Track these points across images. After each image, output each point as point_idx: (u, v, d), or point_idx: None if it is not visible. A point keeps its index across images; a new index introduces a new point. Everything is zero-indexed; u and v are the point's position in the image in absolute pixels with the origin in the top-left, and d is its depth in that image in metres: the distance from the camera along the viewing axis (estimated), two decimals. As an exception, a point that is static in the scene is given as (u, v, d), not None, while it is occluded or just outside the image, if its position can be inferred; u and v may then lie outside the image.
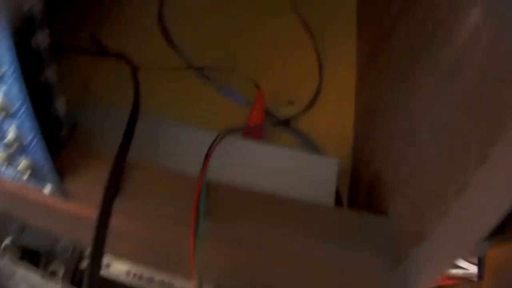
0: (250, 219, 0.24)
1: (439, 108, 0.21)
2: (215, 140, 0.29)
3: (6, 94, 0.22)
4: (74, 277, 0.32)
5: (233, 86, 0.41)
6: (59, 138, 0.29)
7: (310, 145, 0.38)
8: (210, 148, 0.28)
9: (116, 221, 0.26)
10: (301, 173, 0.31)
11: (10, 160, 0.26)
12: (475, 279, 0.40)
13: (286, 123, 0.39)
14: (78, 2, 0.44)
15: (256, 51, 0.45)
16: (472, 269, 0.40)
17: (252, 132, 0.36)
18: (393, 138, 0.27)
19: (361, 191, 0.33)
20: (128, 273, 0.33)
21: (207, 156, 0.27)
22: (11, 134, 0.24)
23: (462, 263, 0.40)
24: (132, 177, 0.26)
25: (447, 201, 0.18)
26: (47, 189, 0.28)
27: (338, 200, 0.33)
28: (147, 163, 0.26)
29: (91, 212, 0.25)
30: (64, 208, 0.29)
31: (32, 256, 0.30)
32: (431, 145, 0.21)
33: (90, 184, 0.27)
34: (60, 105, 0.27)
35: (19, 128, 0.24)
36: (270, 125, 0.36)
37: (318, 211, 0.24)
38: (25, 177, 0.27)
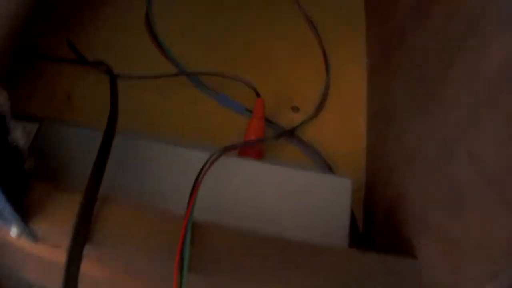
0: (247, 270, 0.19)
1: (484, 129, 0.16)
2: (204, 165, 0.25)
3: None
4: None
5: (230, 92, 0.37)
6: (24, 170, 0.25)
7: (318, 157, 0.33)
8: (197, 177, 0.24)
9: (87, 269, 0.22)
10: (309, 199, 0.26)
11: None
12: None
13: (290, 133, 0.34)
14: (57, 7, 0.41)
15: (255, 52, 0.40)
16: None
17: (251, 149, 0.31)
18: (418, 160, 0.23)
19: (379, 212, 0.29)
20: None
21: (194, 189, 0.23)
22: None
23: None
24: (104, 218, 0.22)
25: (503, 258, 0.14)
26: (13, 231, 0.25)
27: (353, 224, 0.29)
28: (122, 199, 0.22)
29: (62, 257, 0.22)
30: (34, 251, 0.26)
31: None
32: (476, 180, 0.16)
33: (59, 226, 0.23)
34: (19, 136, 0.23)
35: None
36: (272, 137, 0.32)
37: (330, 256, 0.20)
38: (-11, 217, 0.24)
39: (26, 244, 0.25)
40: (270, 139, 0.32)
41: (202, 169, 0.25)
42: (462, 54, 0.19)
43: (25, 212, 0.23)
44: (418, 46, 0.26)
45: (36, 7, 0.38)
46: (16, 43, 0.37)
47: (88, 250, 0.22)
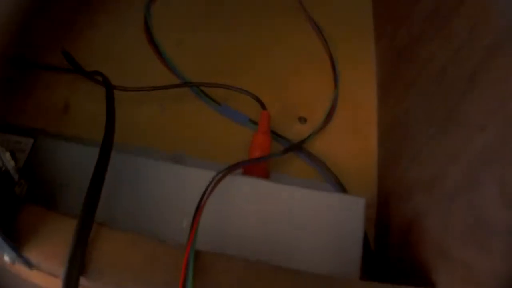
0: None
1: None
2: (208, 186, 0.23)
3: None
4: None
5: (234, 103, 0.35)
6: (14, 194, 0.23)
7: (327, 173, 0.32)
8: (201, 200, 0.22)
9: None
10: (320, 221, 0.25)
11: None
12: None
13: (298, 147, 0.32)
14: (53, 15, 0.39)
15: (259, 60, 0.38)
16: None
17: (256, 166, 0.30)
18: (438, 184, 0.21)
19: (394, 232, 0.27)
20: None
21: (197, 213, 0.21)
22: None
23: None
24: (100, 250, 0.20)
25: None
26: (6, 257, 0.23)
27: (365, 242, 0.27)
28: (118, 231, 0.20)
29: (58, 285, 0.20)
30: (29, 279, 0.24)
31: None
32: (505, 211, 0.15)
33: (53, 255, 0.22)
34: (7, 159, 0.21)
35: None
36: (279, 154, 0.30)
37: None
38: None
39: (21, 270, 0.23)
40: (277, 155, 0.30)
41: (205, 190, 0.23)
42: (487, 72, 0.18)
43: (16, 240, 0.22)
44: (436, 59, 0.24)
45: (31, 15, 0.37)
46: (11, 52, 0.36)
47: (83, 281, 0.20)
